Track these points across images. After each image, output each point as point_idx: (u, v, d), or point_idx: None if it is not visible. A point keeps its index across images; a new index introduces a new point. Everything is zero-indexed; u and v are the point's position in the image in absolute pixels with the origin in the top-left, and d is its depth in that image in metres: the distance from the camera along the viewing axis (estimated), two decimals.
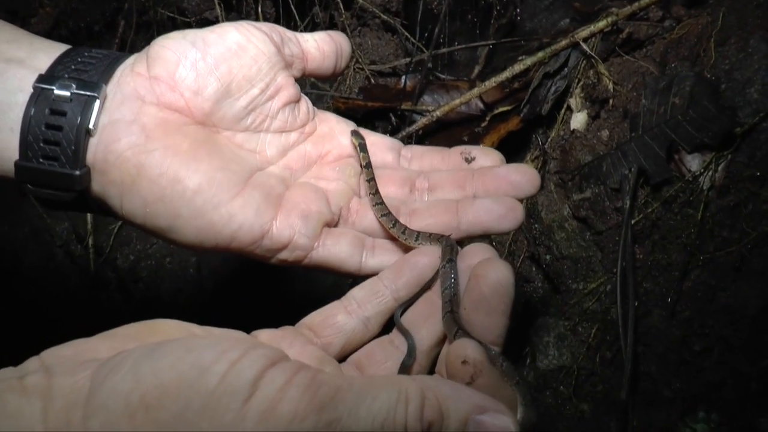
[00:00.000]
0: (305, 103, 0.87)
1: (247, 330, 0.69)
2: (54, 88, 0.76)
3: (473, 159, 0.87)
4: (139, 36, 1.77)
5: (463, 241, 0.80)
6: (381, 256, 0.81)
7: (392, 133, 1.46)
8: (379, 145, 0.90)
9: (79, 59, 0.79)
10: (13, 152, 0.77)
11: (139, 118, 0.76)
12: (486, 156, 0.88)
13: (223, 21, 1.58)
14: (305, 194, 0.81)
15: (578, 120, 1.32)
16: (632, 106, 1.21)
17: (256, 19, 1.57)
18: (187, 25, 1.64)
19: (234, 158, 0.79)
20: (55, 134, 0.75)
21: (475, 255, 0.72)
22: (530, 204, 1.34)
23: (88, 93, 0.76)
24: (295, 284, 1.61)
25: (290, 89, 0.83)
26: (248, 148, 0.82)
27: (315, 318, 0.76)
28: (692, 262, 1.10)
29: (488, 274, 0.67)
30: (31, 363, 0.54)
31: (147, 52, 0.79)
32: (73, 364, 0.54)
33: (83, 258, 1.80)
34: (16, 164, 0.76)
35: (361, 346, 0.76)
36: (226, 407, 0.47)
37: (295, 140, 0.85)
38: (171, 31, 1.62)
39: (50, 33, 1.74)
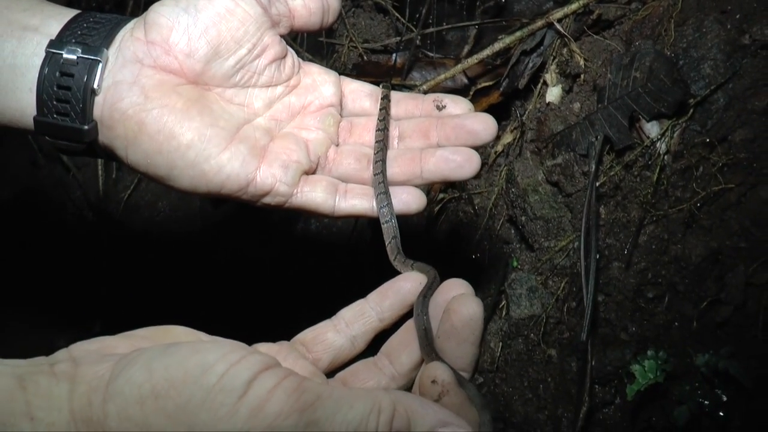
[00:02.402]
0: (291, 57, 0.96)
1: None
2: (63, 52, 0.86)
3: (444, 107, 0.95)
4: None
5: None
6: (352, 200, 0.92)
7: None
8: (358, 92, 1.00)
9: (85, 24, 0.88)
10: (32, 109, 0.88)
11: (138, 79, 0.85)
12: (455, 104, 0.96)
13: None
14: (287, 145, 0.91)
15: (553, 93, 1.43)
16: (600, 80, 1.33)
17: None
18: None
19: (223, 114, 0.89)
20: (65, 93, 0.86)
21: (451, 290, 0.80)
22: (508, 170, 1.46)
23: (92, 57, 0.85)
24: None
25: (276, 47, 0.92)
26: (237, 102, 0.91)
27: (307, 334, 0.86)
28: (648, 218, 1.22)
29: (460, 309, 0.75)
30: (61, 353, 0.64)
31: (144, 18, 0.87)
32: (97, 356, 0.63)
33: (94, 224, 1.92)
34: (35, 119, 0.88)
35: (347, 363, 0.85)
36: (221, 402, 0.56)
37: (281, 93, 0.95)
38: None
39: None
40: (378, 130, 0.94)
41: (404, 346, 0.82)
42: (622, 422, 1.21)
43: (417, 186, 0.93)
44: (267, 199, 0.90)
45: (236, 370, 0.57)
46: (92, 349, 0.65)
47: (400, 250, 0.92)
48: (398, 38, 1.61)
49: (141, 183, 1.91)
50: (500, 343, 1.38)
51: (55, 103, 0.86)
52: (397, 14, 1.63)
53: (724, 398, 1.12)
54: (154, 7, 0.87)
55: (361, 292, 1.65)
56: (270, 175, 0.88)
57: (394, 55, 1.61)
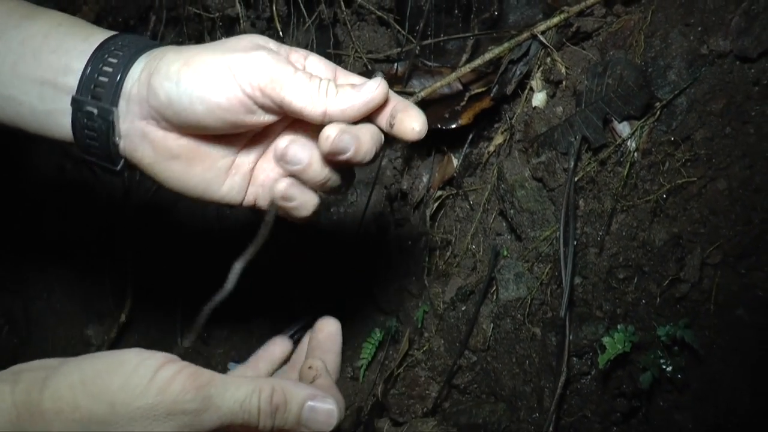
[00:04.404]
0: None
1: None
2: (84, 108, 0.90)
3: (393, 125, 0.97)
4: (168, 29, 2.04)
5: None
6: None
7: None
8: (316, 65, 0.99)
9: (97, 76, 0.90)
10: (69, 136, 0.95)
11: (146, 134, 0.92)
12: (407, 114, 0.98)
13: (243, 18, 1.86)
14: (266, 165, 1.02)
15: (538, 98, 1.58)
16: (579, 86, 1.47)
17: (271, 16, 1.85)
18: (212, 21, 1.92)
19: (219, 153, 0.96)
20: (93, 142, 0.93)
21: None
22: (499, 168, 1.61)
23: (105, 118, 0.90)
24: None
25: None
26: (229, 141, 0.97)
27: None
28: (619, 208, 1.37)
29: (323, 327, 1.06)
30: (3, 372, 0.76)
31: (148, 81, 0.88)
32: (38, 367, 0.78)
33: (118, 222, 2.06)
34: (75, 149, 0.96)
35: None
36: (136, 384, 0.72)
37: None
38: (197, 25, 1.89)
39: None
40: None
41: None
42: (597, 390, 1.35)
43: None
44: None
45: (147, 362, 0.74)
46: (34, 365, 0.79)
47: None
48: (399, 49, 1.77)
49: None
50: (491, 324, 1.52)
51: (88, 142, 0.93)
52: (398, 27, 1.78)
53: (683, 363, 1.26)
54: (156, 78, 0.88)
55: (368, 287, 1.79)
56: (253, 193, 1.01)
57: (395, 64, 1.77)
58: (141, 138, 0.92)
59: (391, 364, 1.83)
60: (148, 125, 0.91)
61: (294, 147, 0.91)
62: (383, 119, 0.94)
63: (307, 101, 0.86)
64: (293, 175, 0.94)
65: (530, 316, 1.44)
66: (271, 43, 0.94)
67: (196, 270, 1.89)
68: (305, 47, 1.94)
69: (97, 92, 0.89)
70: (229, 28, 1.93)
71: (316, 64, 0.96)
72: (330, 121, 0.88)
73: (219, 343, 2.07)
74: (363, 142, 0.88)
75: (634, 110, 1.36)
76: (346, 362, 1.90)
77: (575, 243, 1.35)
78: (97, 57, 0.90)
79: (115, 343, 2.04)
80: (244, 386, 0.77)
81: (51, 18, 0.95)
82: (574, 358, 1.34)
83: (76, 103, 0.91)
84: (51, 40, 0.91)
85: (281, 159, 0.93)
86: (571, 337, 1.31)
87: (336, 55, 1.86)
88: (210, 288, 0.91)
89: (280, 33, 1.82)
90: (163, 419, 0.72)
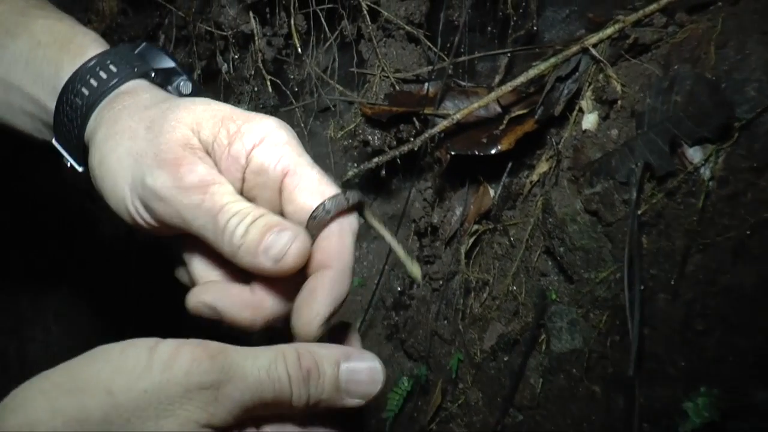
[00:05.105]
0: None
1: None
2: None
3: None
4: (178, 49, 1.89)
5: None
6: None
7: (416, 135, 1.56)
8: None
9: (64, 118, 0.87)
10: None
11: None
12: None
13: (258, 35, 1.70)
14: None
15: (589, 120, 1.40)
16: (639, 105, 1.29)
17: (289, 32, 1.69)
18: (224, 39, 1.76)
19: None
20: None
21: None
22: (544, 200, 1.42)
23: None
24: None
25: None
26: None
27: None
28: (694, 247, 1.17)
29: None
30: None
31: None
32: None
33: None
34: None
35: None
36: (133, 364, 0.57)
37: None
38: (209, 44, 1.73)
39: None
40: None
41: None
42: None
43: None
44: None
45: (135, 344, 0.59)
46: None
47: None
48: (430, 67, 1.60)
49: None
50: (540, 379, 1.32)
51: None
52: (429, 43, 1.62)
53: None
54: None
55: (393, 329, 1.59)
56: None
57: (426, 84, 1.59)
58: None
59: (421, 418, 1.65)
60: None
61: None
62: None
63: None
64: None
65: (588, 372, 1.24)
66: (206, 129, 0.76)
67: None
68: (326, 67, 1.78)
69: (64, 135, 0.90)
70: (243, 46, 1.77)
71: (267, 153, 0.75)
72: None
73: None
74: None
75: (709, 132, 1.17)
76: (369, 414, 1.74)
77: (642, 287, 1.16)
78: (62, 101, 0.87)
79: None
80: (263, 353, 0.62)
81: (32, 35, 0.92)
82: (645, 424, 1.13)
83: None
84: (30, 68, 0.91)
85: None
86: (641, 400, 1.10)
87: (360, 75, 1.69)
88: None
89: (299, 50, 1.66)
90: (180, 401, 0.55)
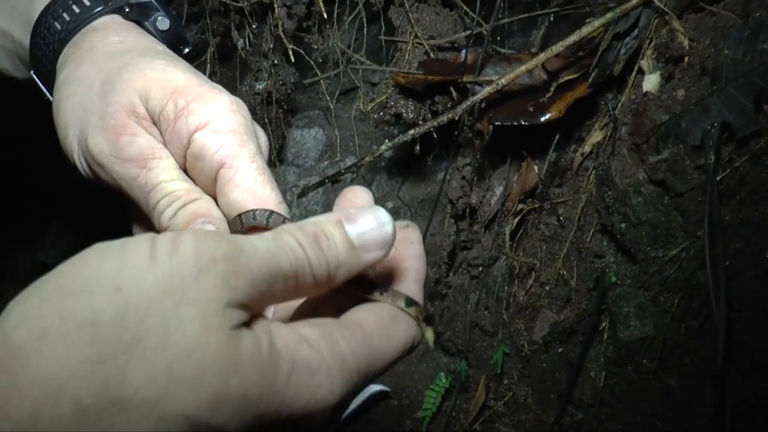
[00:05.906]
0: None
1: None
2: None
3: None
4: (190, 26, 1.76)
5: None
6: None
7: (452, 106, 1.41)
8: None
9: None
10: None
11: None
12: None
13: (277, 4, 1.56)
14: None
15: (651, 82, 1.25)
16: (710, 61, 1.14)
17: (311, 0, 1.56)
18: (240, 12, 1.63)
19: None
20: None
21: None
22: (601, 172, 1.27)
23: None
24: None
25: None
26: None
27: None
28: None
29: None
30: None
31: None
32: None
33: None
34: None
35: None
36: (135, 259, 0.49)
37: None
38: (223, 18, 1.59)
39: None
40: None
41: None
42: None
43: None
44: None
45: (135, 239, 0.51)
46: None
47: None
48: (468, 32, 1.45)
49: None
50: (603, 372, 1.17)
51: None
52: (465, 7, 1.47)
53: None
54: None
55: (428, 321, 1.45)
56: None
57: (463, 51, 1.45)
58: None
59: (462, 417, 1.50)
60: None
61: None
62: None
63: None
64: None
65: (662, 362, 1.09)
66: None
67: None
68: (352, 38, 1.64)
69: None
70: (260, 19, 1.64)
71: (208, 139, 0.72)
72: None
73: None
74: None
75: None
76: (404, 413, 1.60)
77: (727, 263, 1.00)
78: (36, 33, 0.85)
79: None
80: (264, 234, 0.56)
81: None
82: (737, 423, 0.98)
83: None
84: (3, 2, 0.88)
85: None
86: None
87: (390, 44, 1.55)
88: None
89: (324, 14, 1.52)
90: (195, 281, 0.49)
